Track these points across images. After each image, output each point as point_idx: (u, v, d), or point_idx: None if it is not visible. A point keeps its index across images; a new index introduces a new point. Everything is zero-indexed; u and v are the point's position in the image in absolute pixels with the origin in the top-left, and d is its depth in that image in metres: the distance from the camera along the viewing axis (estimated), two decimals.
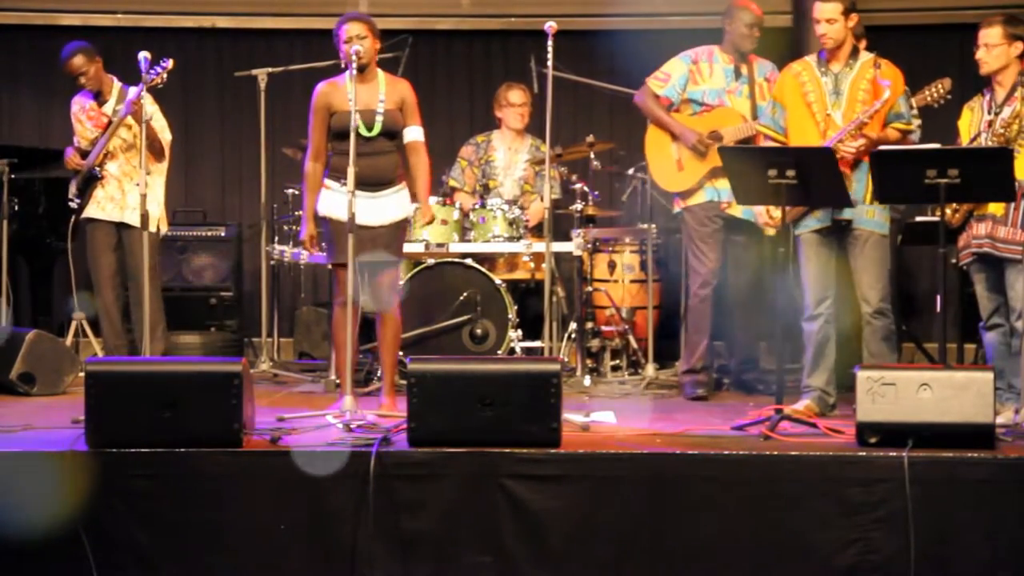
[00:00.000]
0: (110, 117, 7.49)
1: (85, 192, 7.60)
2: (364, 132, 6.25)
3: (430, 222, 7.10)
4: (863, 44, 6.95)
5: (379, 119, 6.32)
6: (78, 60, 7.53)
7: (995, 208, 6.16)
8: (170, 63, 7.25)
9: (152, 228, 7.46)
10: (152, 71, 7.21)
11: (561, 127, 9.07)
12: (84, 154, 7.61)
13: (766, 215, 6.50)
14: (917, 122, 7.22)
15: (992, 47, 6.22)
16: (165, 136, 7.60)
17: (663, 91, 7.33)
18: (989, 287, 6.31)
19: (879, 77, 6.31)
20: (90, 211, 7.60)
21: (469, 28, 9.83)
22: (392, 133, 6.38)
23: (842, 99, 6.37)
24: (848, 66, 6.40)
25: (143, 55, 7.07)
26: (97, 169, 7.51)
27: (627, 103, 8.36)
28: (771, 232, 6.79)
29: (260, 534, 5.30)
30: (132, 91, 7.41)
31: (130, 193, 7.48)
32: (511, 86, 8.52)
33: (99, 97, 7.64)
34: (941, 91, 6.68)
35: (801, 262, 6.44)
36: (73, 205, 7.66)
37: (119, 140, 7.53)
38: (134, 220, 7.36)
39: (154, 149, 7.46)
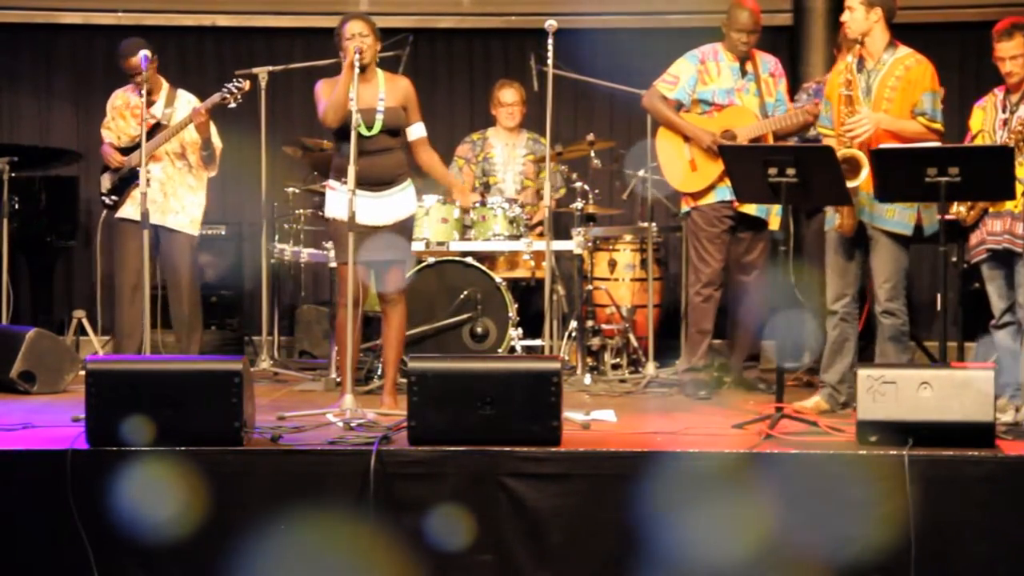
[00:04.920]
0: (158, 119, 7.43)
1: (123, 191, 7.53)
2: (364, 131, 6.24)
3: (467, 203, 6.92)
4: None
5: (379, 117, 6.32)
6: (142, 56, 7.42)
7: (1012, 205, 6.16)
8: (246, 84, 7.24)
9: (194, 232, 7.50)
10: (224, 89, 7.20)
11: (561, 125, 9.08)
12: (121, 151, 7.55)
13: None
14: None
15: (1019, 57, 6.22)
16: (217, 143, 7.56)
17: (673, 94, 7.30)
18: (1002, 285, 6.31)
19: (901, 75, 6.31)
20: (127, 211, 7.49)
21: (469, 27, 9.83)
22: (394, 131, 6.38)
23: (871, 97, 6.34)
24: (881, 63, 6.37)
25: (143, 53, 7.08)
26: (139, 169, 7.43)
27: (627, 102, 8.36)
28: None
29: (260, 533, 5.30)
30: (182, 95, 7.39)
31: (171, 197, 7.43)
32: (503, 84, 8.53)
33: (146, 96, 7.56)
34: None
35: (827, 258, 6.46)
36: (108, 202, 7.58)
37: (168, 144, 7.42)
38: (177, 224, 7.39)
39: (210, 159, 7.45)
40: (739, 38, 7.23)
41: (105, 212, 7.68)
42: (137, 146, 7.43)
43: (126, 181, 7.51)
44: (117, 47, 7.54)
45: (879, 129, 6.24)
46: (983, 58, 6.79)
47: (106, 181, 7.59)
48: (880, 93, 6.33)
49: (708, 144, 7.14)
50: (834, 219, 6.38)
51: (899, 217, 6.31)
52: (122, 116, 7.59)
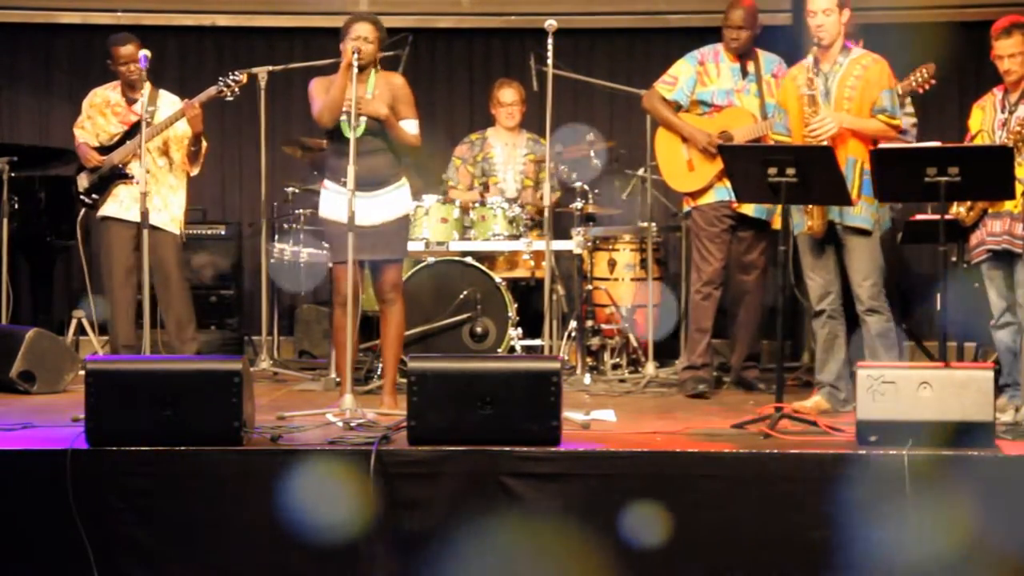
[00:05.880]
0: (140, 116, 7.43)
1: (103, 190, 7.51)
2: (347, 134, 6.23)
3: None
4: (859, 44, 6.94)
5: (363, 120, 6.29)
6: (132, 48, 7.34)
7: (1011, 205, 6.17)
8: (243, 77, 7.24)
9: (176, 230, 7.50)
10: (221, 82, 7.20)
11: (561, 125, 9.07)
12: (100, 150, 7.54)
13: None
14: (912, 120, 7.23)
15: (1017, 55, 6.22)
16: (203, 142, 7.55)
17: (671, 95, 7.30)
18: (1002, 285, 6.31)
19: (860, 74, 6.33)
20: (110, 209, 7.48)
21: (469, 26, 9.83)
22: (380, 132, 6.35)
23: (831, 98, 6.36)
24: (838, 64, 6.39)
25: (143, 53, 7.07)
26: (122, 167, 7.42)
27: (627, 101, 8.37)
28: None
29: (260, 533, 5.30)
30: (164, 95, 7.41)
31: (154, 195, 7.41)
32: (502, 84, 8.53)
33: (126, 94, 7.54)
34: (925, 75, 6.71)
35: (802, 261, 6.47)
36: (87, 201, 7.57)
37: (151, 141, 7.39)
38: (160, 221, 7.39)
39: (197, 155, 7.45)
40: (729, 34, 7.25)
41: (83, 211, 7.66)
42: (116, 145, 7.45)
43: (106, 179, 7.50)
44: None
45: (842, 128, 6.27)
46: (983, 58, 6.78)
47: (83, 180, 7.57)
48: (840, 94, 6.35)
49: (704, 145, 7.15)
50: (803, 223, 6.39)
51: (864, 213, 6.34)
52: (102, 114, 7.58)
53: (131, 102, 7.49)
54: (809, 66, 6.36)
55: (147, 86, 7.50)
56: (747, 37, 7.26)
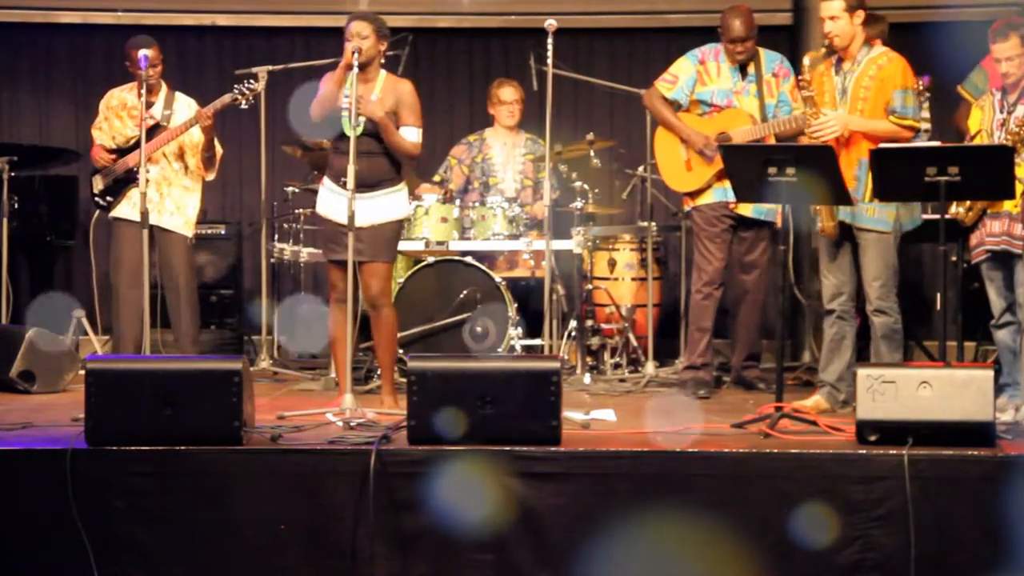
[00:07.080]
0: (157, 120, 7.42)
1: (118, 192, 7.51)
2: (348, 132, 6.23)
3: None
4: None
5: (363, 120, 6.29)
6: (154, 52, 7.32)
7: (1010, 205, 6.16)
8: (257, 85, 7.23)
9: (188, 233, 7.50)
10: (236, 89, 7.19)
11: (561, 125, 9.07)
12: (117, 152, 7.53)
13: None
14: (926, 125, 7.23)
15: (1014, 58, 6.22)
16: (218, 148, 7.55)
17: (671, 93, 7.29)
18: (1002, 285, 6.31)
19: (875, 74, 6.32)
20: (122, 211, 7.45)
21: (469, 26, 9.82)
22: (378, 135, 6.35)
23: (847, 98, 6.36)
24: (856, 63, 6.38)
25: (143, 53, 7.06)
26: (136, 169, 7.41)
27: (627, 101, 8.37)
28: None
29: (260, 532, 5.30)
30: (181, 97, 7.40)
31: (167, 197, 7.42)
32: (502, 83, 8.52)
33: (145, 97, 7.53)
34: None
35: (819, 260, 6.48)
36: (102, 203, 7.57)
37: (166, 146, 7.41)
38: (172, 224, 7.40)
39: (212, 161, 7.45)
40: (735, 48, 7.21)
41: (98, 212, 7.67)
42: (132, 147, 7.42)
43: (121, 182, 7.49)
44: (118, 46, 7.53)
45: (848, 130, 6.26)
46: (981, 58, 6.79)
47: (98, 182, 7.57)
48: (855, 93, 6.35)
49: (701, 147, 7.15)
50: (818, 222, 6.40)
51: (879, 215, 6.33)
52: (118, 116, 7.57)
53: (148, 105, 7.46)
54: (806, 67, 6.36)
55: (164, 89, 7.50)
56: (751, 46, 7.25)
